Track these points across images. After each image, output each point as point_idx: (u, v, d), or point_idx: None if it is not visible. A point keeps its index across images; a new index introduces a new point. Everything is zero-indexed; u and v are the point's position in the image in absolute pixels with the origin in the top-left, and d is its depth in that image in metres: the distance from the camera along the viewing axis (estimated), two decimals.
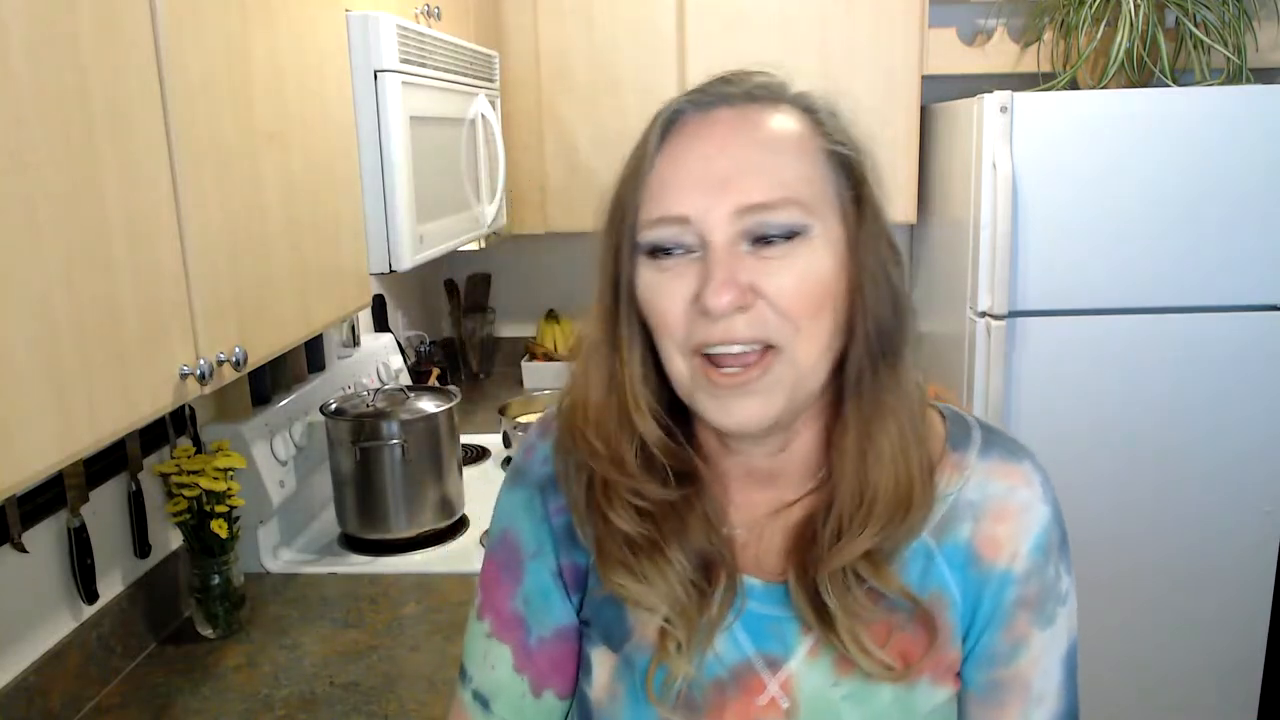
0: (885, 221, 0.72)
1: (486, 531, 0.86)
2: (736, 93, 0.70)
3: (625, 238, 0.70)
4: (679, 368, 0.70)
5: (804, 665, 0.73)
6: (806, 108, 0.71)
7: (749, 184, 0.66)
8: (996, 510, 0.73)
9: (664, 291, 0.68)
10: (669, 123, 0.70)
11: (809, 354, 0.68)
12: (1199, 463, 2.22)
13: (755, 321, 0.66)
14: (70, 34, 0.82)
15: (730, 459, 0.77)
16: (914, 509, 0.70)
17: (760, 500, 0.77)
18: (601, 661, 0.78)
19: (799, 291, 0.67)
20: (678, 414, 0.75)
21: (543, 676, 0.81)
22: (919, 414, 0.73)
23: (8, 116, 0.75)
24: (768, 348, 0.67)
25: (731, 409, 0.68)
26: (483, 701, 0.83)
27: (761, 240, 0.67)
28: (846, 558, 0.70)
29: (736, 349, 0.67)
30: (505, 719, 0.83)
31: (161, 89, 0.96)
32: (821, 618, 0.71)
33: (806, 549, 0.73)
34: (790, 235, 0.67)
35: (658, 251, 0.69)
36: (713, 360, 0.68)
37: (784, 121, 0.69)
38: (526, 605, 0.81)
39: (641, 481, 0.73)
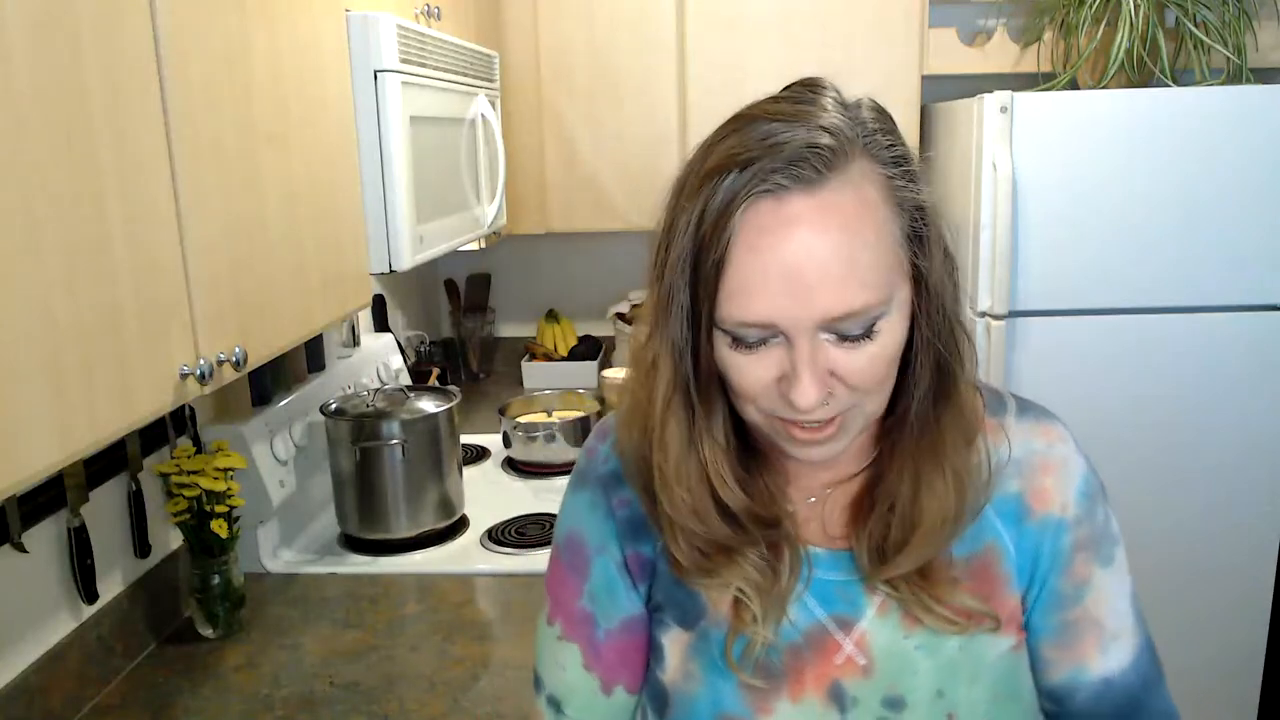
0: (947, 246, 0.72)
1: (554, 540, 0.89)
2: (809, 170, 0.64)
3: (701, 309, 0.69)
4: (755, 419, 0.73)
5: (875, 623, 0.76)
6: (875, 157, 0.68)
7: (835, 293, 0.64)
8: (1040, 464, 0.78)
9: (746, 372, 0.69)
10: (743, 215, 0.65)
11: (877, 404, 0.72)
12: (1199, 463, 2.22)
13: (832, 402, 0.69)
14: (70, 34, 0.82)
15: None
16: (966, 515, 0.74)
17: (818, 479, 0.81)
18: (674, 643, 0.80)
19: (874, 370, 0.69)
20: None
21: (612, 672, 0.83)
22: (972, 419, 0.76)
23: (8, 116, 0.75)
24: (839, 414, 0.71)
25: (808, 453, 0.73)
26: (556, 706, 0.85)
27: (844, 334, 0.67)
28: (913, 564, 0.74)
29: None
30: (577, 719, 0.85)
31: (161, 89, 0.96)
32: (885, 583, 0.75)
33: (865, 517, 0.77)
34: (870, 323, 0.67)
35: (738, 340, 0.68)
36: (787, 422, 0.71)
37: (859, 197, 0.66)
38: (594, 601, 0.83)
39: (718, 532, 0.75)
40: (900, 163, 0.69)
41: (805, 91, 0.70)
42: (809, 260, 0.64)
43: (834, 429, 0.71)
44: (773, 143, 0.65)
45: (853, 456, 0.79)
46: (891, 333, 0.68)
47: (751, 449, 0.79)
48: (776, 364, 0.68)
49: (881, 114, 0.71)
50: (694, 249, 0.67)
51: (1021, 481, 0.78)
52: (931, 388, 0.73)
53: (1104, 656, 0.79)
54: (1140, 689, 0.80)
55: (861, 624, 0.77)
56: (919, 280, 0.70)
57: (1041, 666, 0.80)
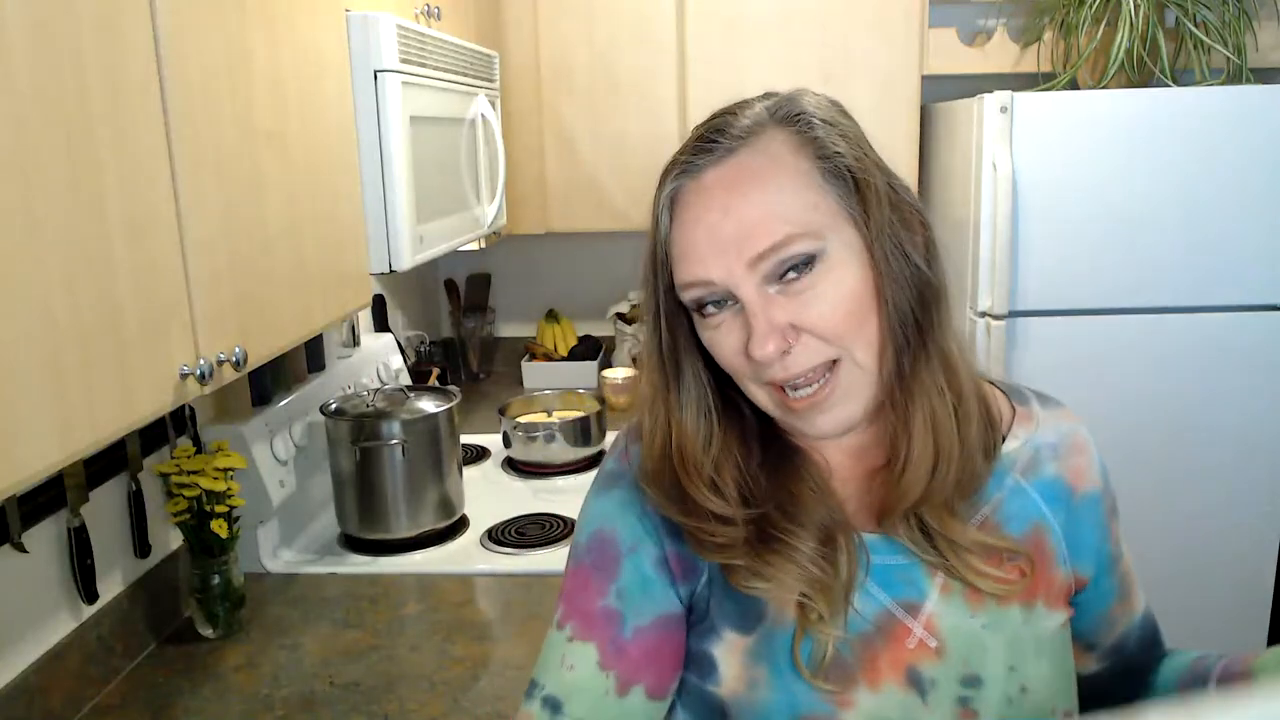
0: (898, 200, 0.75)
1: (572, 546, 0.86)
2: (721, 148, 0.74)
3: (669, 302, 0.78)
4: (758, 396, 0.76)
5: (940, 604, 0.77)
6: (789, 123, 0.74)
7: (753, 234, 0.71)
8: (1070, 446, 0.85)
9: (720, 344, 0.75)
10: (671, 198, 0.75)
11: (868, 355, 0.74)
12: (1199, 462, 2.22)
13: (806, 352, 0.72)
14: (70, 34, 0.82)
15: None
16: (953, 465, 0.77)
17: (857, 465, 0.82)
18: (729, 652, 0.78)
19: (834, 313, 0.72)
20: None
21: (634, 670, 0.79)
22: (964, 383, 0.78)
23: (8, 116, 0.75)
24: (832, 361, 0.73)
25: (815, 423, 0.75)
26: (553, 706, 0.80)
27: (787, 276, 0.71)
28: (903, 506, 0.77)
29: (801, 377, 0.73)
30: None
31: (161, 89, 0.96)
32: (934, 553, 0.77)
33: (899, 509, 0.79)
34: (807, 262, 0.71)
35: (705, 310, 0.74)
36: (782, 387, 0.74)
37: (769, 156, 0.73)
38: (622, 599, 0.80)
39: (712, 529, 0.76)
40: (828, 126, 0.75)
41: (745, 100, 0.79)
42: (725, 214, 0.72)
43: (829, 391, 0.73)
44: (694, 137, 0.76)
45: (882, 444, 0.80)
46: (840, 274, 0.72)
47: (786, 449, 0.80)
48: (740, 328, 0.73)
49: (822, 100, 0.78)
50: (653, 233, 0.77)
51: (1059, 464, 0.83)
52: (906, 346, 0.75)
53: (1138, 598, 0.89)
54: (1151, 613, 0.90)
55: (927, 605, 0.77)
56: (863, 230, 0.73)
57: (1109, 628, 0.87)
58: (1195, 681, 0.83)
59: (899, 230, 0.74)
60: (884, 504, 0.78)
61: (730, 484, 0.78)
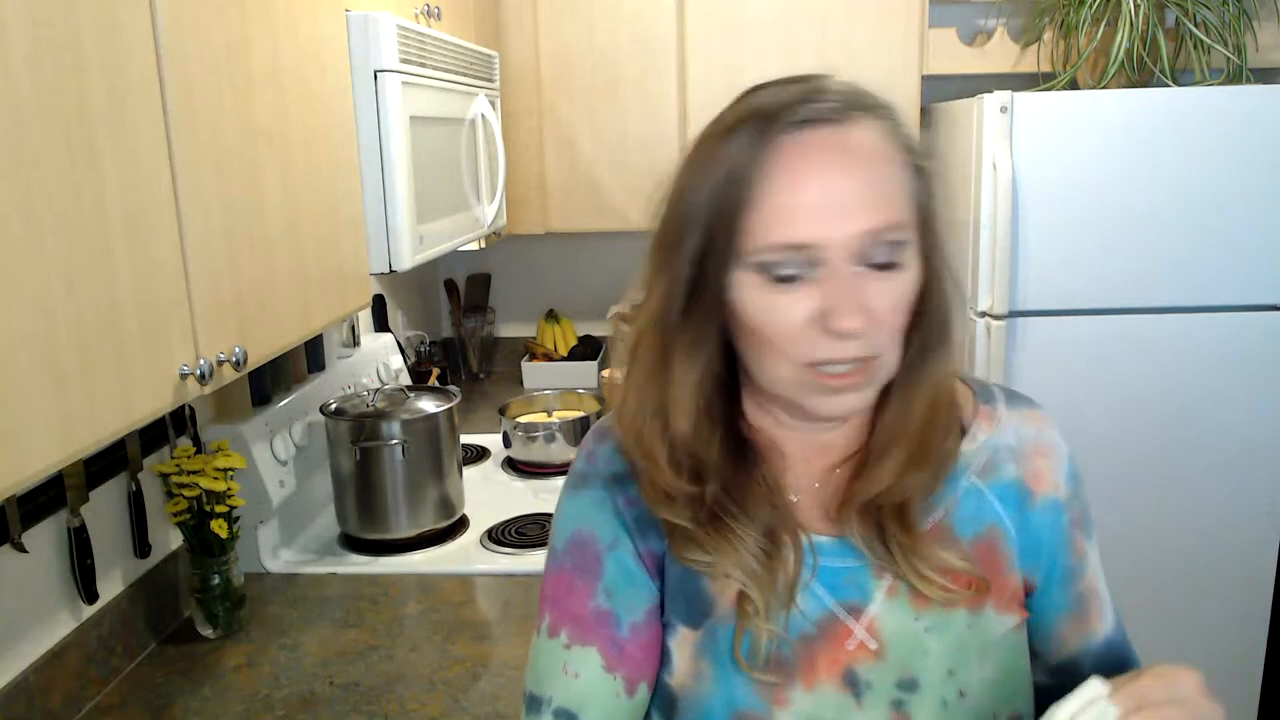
0: (942, 216, 0.77)
1: (549, 550, 0.84)
2: (834, 109, 0.70)
3: (721, 252, 0.71)
4: (782, 372, 0.73)
5: (884, 607, 0.77)
6: (889, 118, 0.73)
7: (869, 208, 0.69)
8: (1033, 449, 0.82)
9: (781, 311, 0.71)
10: (766, 151, 0.69)
11: (894, 357, 0.74)
12: (1199, 463, 2.22)
13: (865, 340, 0.70)
14: (70, 34, 0.82)
15: (784, 432, 0.81)
16: (929, 462, 0.77)
17: (815, 467, 0.82)
18: (681, 645, 0.79)
19: (898, 309, 0.72)
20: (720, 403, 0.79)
21: (637, 669, 0.79)
22: (954, 380, 0.81)
23: (8, 116, 0.75)
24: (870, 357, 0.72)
25: (834, 405, 0.73)
26: (569, 719, 0.78)
27: (871, 261, 0.70)
28: (866, 494, 0.76)
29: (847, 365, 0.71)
30: None
31: (161, 89, 0.96)
32: (885, 555, 0.76)
33: (858, 500, 0.79)
34: (898, 251, 0.71)
35: (776, 273, 0.70)
36: (817, 364, 0.72)
37: (878, 136, 0.71)
38: (611, 596, 0.79)
39: (670, 479, 0.76)
40: (909, 131, 0.75)
41: (816, 74, 0.75)
42: (844, 180, 0.69)
43: (858, 379, 0.72)
44: (796, 91, 0.71)
45: (848, 440, 0.81)
46: (911, 270, 0.72)
47: (744, 440, 0.80)
48: (810, 300, 0.69)
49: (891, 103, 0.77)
50: (722, 187, 0.70)
51: (1018, 466, 0.81)
52: (935, 344, 0.76)
53: (1103, 622, 0.85)
54: (1124, 642, 0.86)
55: (871, 608, 0.77)
56: (924, 237, 0.74)
57: (1056, 644, 0.84)
58: None
59: (945, 237, 0.76)
60: (845, 494, 0.78)
61: (697, 448, 0.77)
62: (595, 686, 0.78)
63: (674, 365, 0.76)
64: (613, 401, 0.84)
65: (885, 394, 0.77)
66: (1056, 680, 0.84)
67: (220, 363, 1.05)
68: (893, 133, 0.72)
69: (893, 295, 0.71)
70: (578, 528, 0.83)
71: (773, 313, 0.71)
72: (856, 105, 0.71)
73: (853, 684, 0.76)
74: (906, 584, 0.76)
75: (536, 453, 2.17)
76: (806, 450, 0.81)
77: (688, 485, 0.76)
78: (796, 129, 0.69)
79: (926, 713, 0.76)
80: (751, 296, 0.71)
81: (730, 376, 0.80)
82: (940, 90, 2.61)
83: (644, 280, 0.78)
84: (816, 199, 0.68)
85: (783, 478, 0.80)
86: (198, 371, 1.00)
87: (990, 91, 2.11)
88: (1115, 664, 0.85)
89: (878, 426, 0.78)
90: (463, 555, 1.77)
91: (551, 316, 3.01)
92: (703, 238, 0.72)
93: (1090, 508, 0.85)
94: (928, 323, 0.75)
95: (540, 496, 2.05)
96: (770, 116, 0.70)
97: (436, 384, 2.45)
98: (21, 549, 1.21)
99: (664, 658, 0.80)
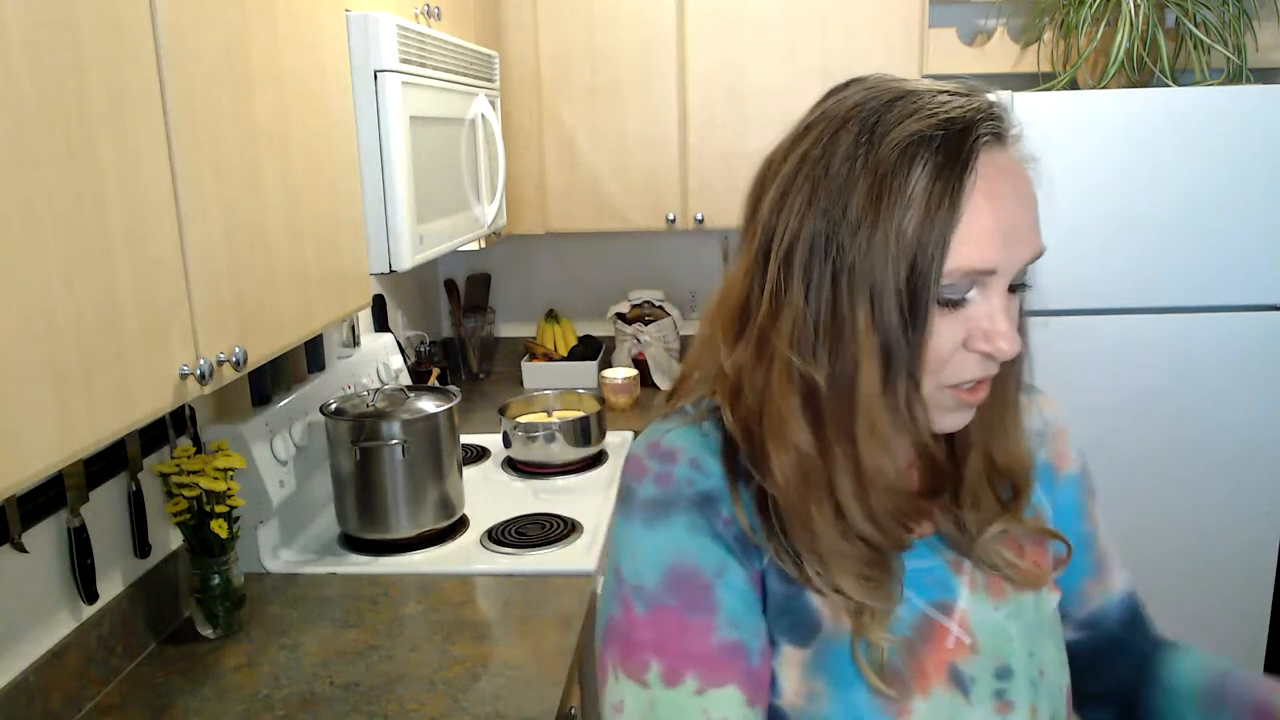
0: None
1: (633, 592, 0.74)
2: (1007, 129, 0.70)
3: (910, 279, 0.65)
4: (925, 388, 0.69)
5: (970, 601, 0.78)
6: (1022, 135, 0.74)
7: (1037, 232, 0.70)
8: (1054, 431, 0.88)
9: (944, 335, 0.67)
10: (968, 165, 0.65)
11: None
12: (1199, 463, 2.22)
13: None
14: (70, 33, 0.82)
15: None
16: (1010, 459, 0.79)
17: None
18: (789, 664, 0.74)
19: (1019, 333, 0.72)
20: None
21: (769, 695, 0.74)
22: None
23: (8, 116, 0.75)
24: None
25: (954, 420, 0.73)
26: None
27: (1018, 282, 0.70)
28: (962, 486, 0.77)
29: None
30: None
31: (161, 89, 0.96)
32: (972, 543, 0.78)
33: (939, 497, 0.79)
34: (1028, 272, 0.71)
35: (944, 295, 0.66)
36: (960, 385, 0.71)
37: (1022, 157, 0.72)
38: (737, 626, 0.72)
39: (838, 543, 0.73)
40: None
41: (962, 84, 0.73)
42: (1026, 203, 0.69)
43: (986, 387, 0.72)
44: (975, 106, 0.68)
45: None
46: (1025, 295, 0.73)
47: None
48: (966, 322, 0.68)
49: None
50: (922, 210, 0.64)
51: (1045, 449, 0.86)
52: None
53: (1119, 576, 0.91)
54: (1135, 592, 0.92)
55: (960, 604, 0.77)
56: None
57: (1081, 602, 0.90)
58: (1214, 706, 0.83)
59: None
60: (933, 488, 0.78)
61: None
62: None
63: (880, 432, 0.69)
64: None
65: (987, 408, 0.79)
66: (1085, 634, 0.91)
67: (220, 363, 1.05)
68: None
69: (1017, 317, 0.71)
70: (674, 560, 0.73)
71: (939, 336, 0.67)
72: (1014, 124, 0.72)
73: (959, 682, 0.76)
74: (982, 574, 0.78)
75: (536, 453, 2.17)
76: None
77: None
78: (992, 146, 0.67)
79: (1023, 697, 0.77)
80: (922, 316, 0.67)
81: None
82: None
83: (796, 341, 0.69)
84: (1006, 222, 0.66)
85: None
86: (198, 371, 1.00)
87: (990, 91, 2.11)
88: (1132, 614, 0.92)
89: (979, 439, 0.78)
90: (463, 555, 1.77)
91: (551, 316, 3.01)
92: (909, 271, 0.65)
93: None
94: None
95: (540, 496, 2.05)
96: (964, 124, 0.66)
97: (436, 384, 2.45)
98: (21, 549, 1.21)
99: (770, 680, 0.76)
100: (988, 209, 0.65)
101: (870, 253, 0.65)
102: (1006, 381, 0.77)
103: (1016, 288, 0.71)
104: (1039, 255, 0.70)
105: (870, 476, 0.70)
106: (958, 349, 0.68)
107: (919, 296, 0.65)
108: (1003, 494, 0.79)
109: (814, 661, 0.74)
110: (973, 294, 0.67)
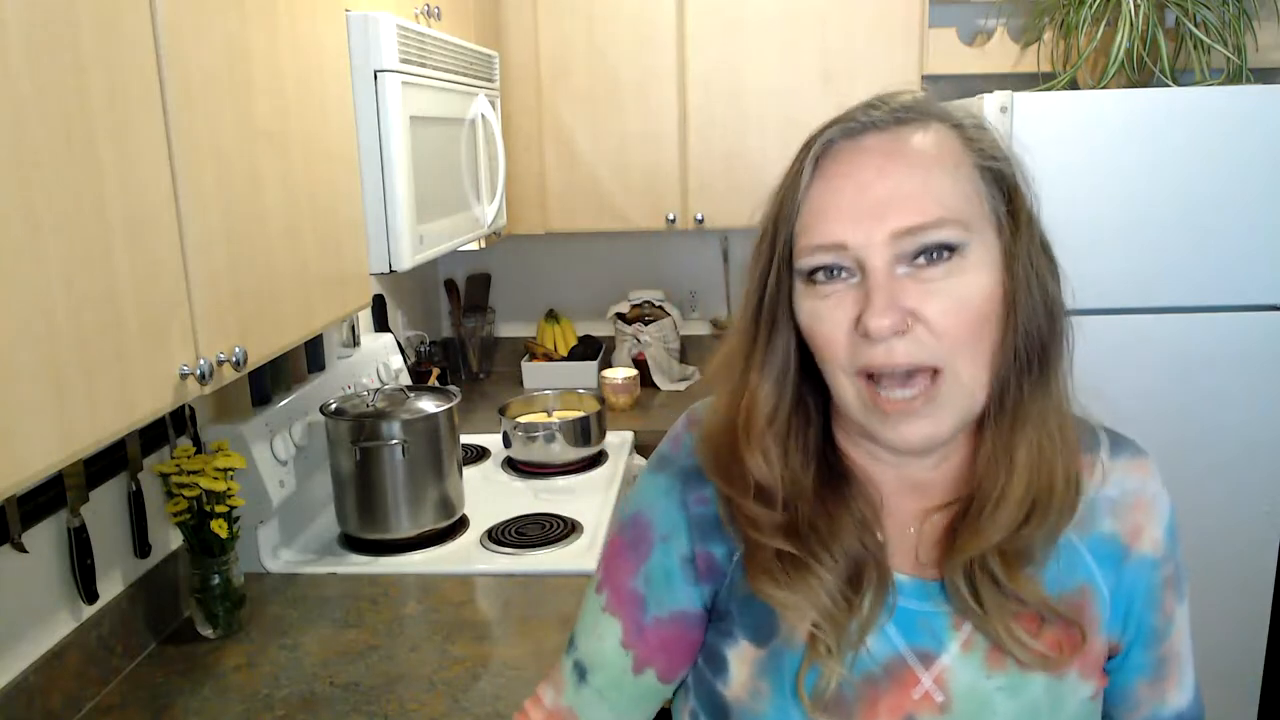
0: (1039, 229, 0.75)
1: (619, 516, 0.87)
2: (884, 117, 0.71)
3: (779, 264, 0.72)
4: (846, 390, 0.71)
5: (958, 659, 0.74)
6: (954, 124, 0.72)
7: (905, 207, 0.67)
8: (1135, 503, 0.79)
9: (826, 317, 0.70)
10: (820, 153, 0.71)
11: (972, 373, 0.70)
12: (1199, 463, 2.22)
13: (915, 345, 0.67)
14: (70, 34, 0.82)
15: (880, 467, 0.78)
16: (1051, 512, 0.72)
17: (910, 506, 0.78)
18: (741, 659, 0.77)
19: (958, 314, 0.68)
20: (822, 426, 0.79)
21: (649, 653, 0.81)
22: (1066, 419, 0.75)
23: (8, 116, 0.75)
24: (934, 371, 0.68)
25: (902, 431, 0.70)
26: (581, 672, 0.84)
27: (919, 261, 0.68)
28: (979, 547, 0.72)
29: (900, 371, 0.68)
30: (600, 691, 0.83)
31: (161, 89, 0.96)
32: (976, 609, 0.72)
33: (967, 553, 0.74)
34: (947, 253, 0.68)
35: (817, 277, 0.70)
36: (876, 381, 0.69)
37: (934, 140, 0.70)
38: (647, 584, 0.81)
39: (750, 506, 0.74)
40: (988, 135, 0.73)
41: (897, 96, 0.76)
42: (880, 176, 0.68)
43: (923, 400, 0.68)
44: (856, 106, 0.73)
45: (951, 482, 0.77)
46: (973, 276, 0.68)
47: (837, 471, 0.77)
48: (853, 304, 0.68)
49: (973, 113, 0.75)
50: (779, 199, 0.72)
51: (1117, 522, 0.78)
52: (1026, 370, 0.71)
53: (1179, 691, 0.82)
54: (1197, 718, 0.83)
55: (943, 659, 0.74)
56: (1005, 243, 0.71)
57: (1131, 704, 0.81)
58: None
59: (1039, 252, 0.74)
60: (947, 543, 0.74)
61: (778, 470, 0.74)
62: (610, 654, 0.82)
63: (750, 385, 0.75)
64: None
65: (982, 433, 0.74)
66: None
67: (220, 363, 1.05)
68: (955, 137, 0.71)
69: (950, 299, 0.67)
70: (642, 507, 0.83)
71: (819, 319, 0.70)
72: (912, 111, 0.71)
73: None
74: (985, 639, 0.73)
75: (536, 453, 2.17)
76: (902, 488, 0.78)
77: (777, 513, 0.74)
78: (847, 137, 0.71)
79: None
80: (804, 306, 0.71)
81: (823, 407, 0.78)
82: (940, 90, 2.60)
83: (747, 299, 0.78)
84: (850, 199, 0.68)
85: (876, 514, 0.76)
86: (198, 371, 1.00)
87: (990, 91, 2.11)
88: None
89: (979, 470, 0.74)
90: (463, 555, 1.77)
91: (551, 316, 3.01)
92: (769, 252, 0.73)
93: (1185, 565, 0.82)
94: (1017, 341, 0.71)
95: (540, 496, 2.05)
96: (831, 123, 0.72)
97: (436, 384, 2.45)
98: (21, 549, 1.21)
99: (719, 665, 0.78)
100: (824, 192, 0.70)
101: (759, 243, 0.74)
102: (1011, 429, 0.72)
103: (923, 259, 0.67)
104: (916, 229, 0.67)
105: (748, 414, 0.75)
106: (851, 332, 0.69)
107: (773, 281, 0.73)
108: (1026, 553, 0.72)
109: (766, 663, 0.76)
110: (855, 277, 0.69)
